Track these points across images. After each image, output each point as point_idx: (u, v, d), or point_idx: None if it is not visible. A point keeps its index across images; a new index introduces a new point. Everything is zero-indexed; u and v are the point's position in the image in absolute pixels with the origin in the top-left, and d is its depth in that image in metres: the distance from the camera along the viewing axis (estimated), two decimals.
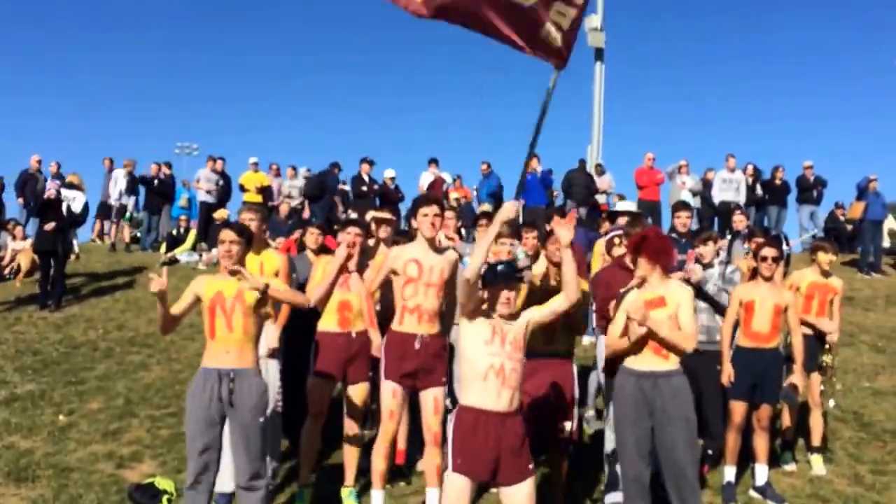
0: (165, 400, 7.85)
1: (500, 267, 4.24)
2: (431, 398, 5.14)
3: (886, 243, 16.25)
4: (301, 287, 5.84)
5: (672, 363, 4.75)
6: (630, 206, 8.87)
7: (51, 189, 11.84)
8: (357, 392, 5.64)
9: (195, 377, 4.72)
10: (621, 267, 6.04)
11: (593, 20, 17.39)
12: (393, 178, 15.59)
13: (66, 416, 7.33)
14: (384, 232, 6.17)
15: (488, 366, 4.08)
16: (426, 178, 15.81)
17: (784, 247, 7.60)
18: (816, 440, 6.58)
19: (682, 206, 7.82)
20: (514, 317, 4.27)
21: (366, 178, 15.37)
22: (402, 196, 15.30)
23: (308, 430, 5.70)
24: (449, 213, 6.77)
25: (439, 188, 15.04)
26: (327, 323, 5.70)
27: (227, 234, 4.71)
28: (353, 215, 6.06)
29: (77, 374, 8.58)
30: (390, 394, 5.11)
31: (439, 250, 5.28)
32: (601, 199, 15.50)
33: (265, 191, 15.79)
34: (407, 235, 6.27)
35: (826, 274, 6.64)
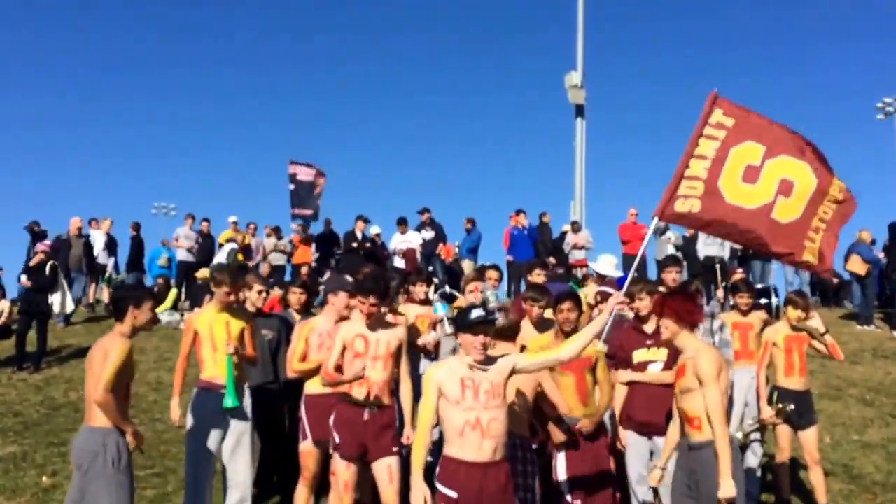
0: (150, 460, 7.67)
1: (473, 311, 4.16)
2: (385, 468, 5.07)
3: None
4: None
5: (705, 434, 4.41)
6: (607, 263, 8.62)
7: (39, 251, 11.73)
8: None
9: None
10: (637, 330, 5.84)
11: (573, 77, 17.65)
12: (378, 235, 15.62)
13: (50, 477, 7.17)
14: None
15: (463, 422, 4.04)
16: (397, 240, 15.43)
17: (773, 299, 7.61)
18: (822, 498, 6.52)
19: (671, 261, 7.85)
20: (490, 360, 4.17)
21: (359, 235, 15.44)
22: (388, 254, 15.27)
23: (300, 495, 5.64)
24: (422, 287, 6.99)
25: (412, 259, 14.75)
26: (317, 384, 5.63)
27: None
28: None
29: (59, 436, 8.40)
30: (343, 466, 5.09)
31: (385, 325, 5.31)
32: (579, 254, 15.52)
33: (245, 250, 15.83)
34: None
35: (796, 329, 6.65)
